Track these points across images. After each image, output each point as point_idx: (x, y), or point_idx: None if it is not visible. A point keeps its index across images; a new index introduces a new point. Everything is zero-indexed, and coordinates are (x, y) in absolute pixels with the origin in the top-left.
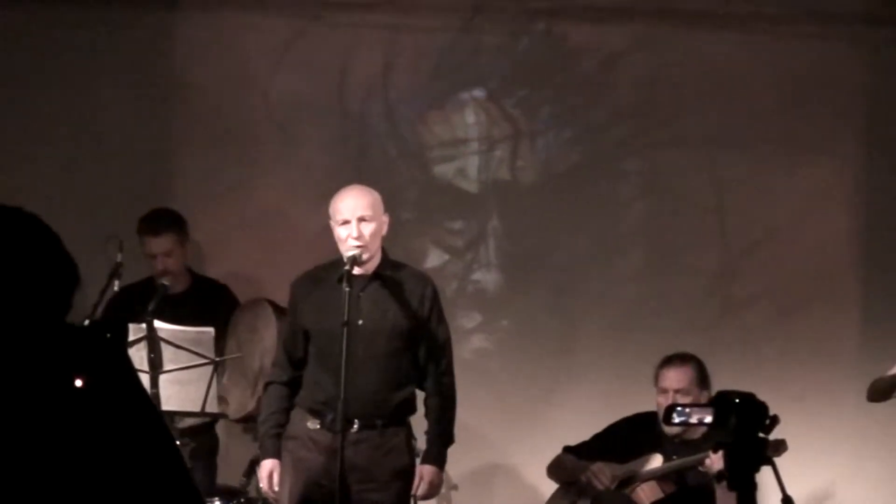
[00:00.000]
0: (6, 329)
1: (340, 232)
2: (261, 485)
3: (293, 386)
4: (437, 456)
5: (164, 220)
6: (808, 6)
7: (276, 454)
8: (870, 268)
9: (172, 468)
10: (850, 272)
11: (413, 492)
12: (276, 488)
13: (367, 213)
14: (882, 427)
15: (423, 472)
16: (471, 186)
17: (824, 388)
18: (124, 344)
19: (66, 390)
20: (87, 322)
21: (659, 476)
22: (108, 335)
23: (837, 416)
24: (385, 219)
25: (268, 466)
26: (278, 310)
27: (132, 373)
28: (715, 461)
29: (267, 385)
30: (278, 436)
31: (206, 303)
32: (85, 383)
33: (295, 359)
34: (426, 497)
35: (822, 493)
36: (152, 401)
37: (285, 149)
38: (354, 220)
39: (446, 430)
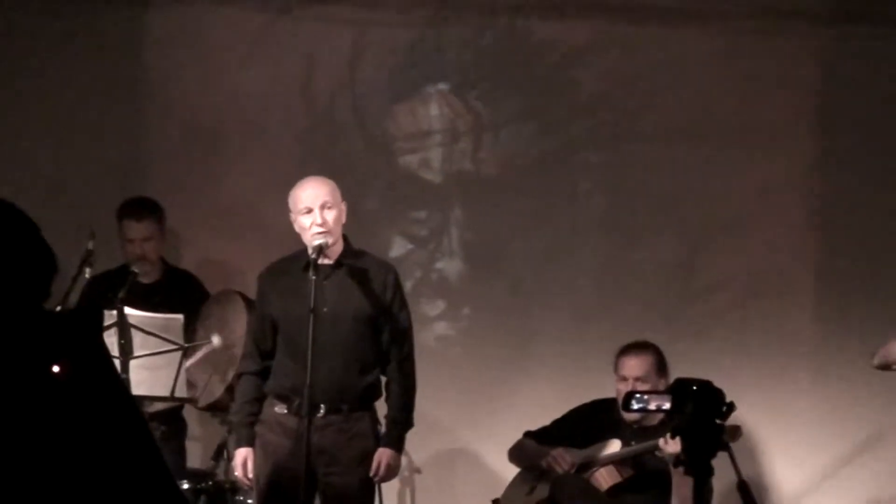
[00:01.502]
0: None
1: (304, 221)
2: (236, 472)
3: (264, 376)
4: (395, 440)
5: (147, 207)
6: (764, 5)
7: (250, 442)
8: (822, 258)
9: (147, 453)
10: (803, 263)
11: (371, 474)
12: (251, 475)
13: (328, 199)
14: (834, 412)
15: (382, 455)
16: (434, 177)
17: (779, 376)
18: (100, 331)
19: (43, 376)
20: (58, 309)
21: (617, 461)
22: (84, 322)
23: (791, 403)
24: (343, 206)
25: (242, 454)
26: (249, 302)
27: (108, 359)
28: (670, 445)
29: (239, 376)
30: (252, 424)
31: (177, 293)
32: (62, 369)
33: (264, 349)
34: (384, 480)
35: (777, 477)
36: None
37: (253, 140)
38: (317, 207)
39: (406, 415)
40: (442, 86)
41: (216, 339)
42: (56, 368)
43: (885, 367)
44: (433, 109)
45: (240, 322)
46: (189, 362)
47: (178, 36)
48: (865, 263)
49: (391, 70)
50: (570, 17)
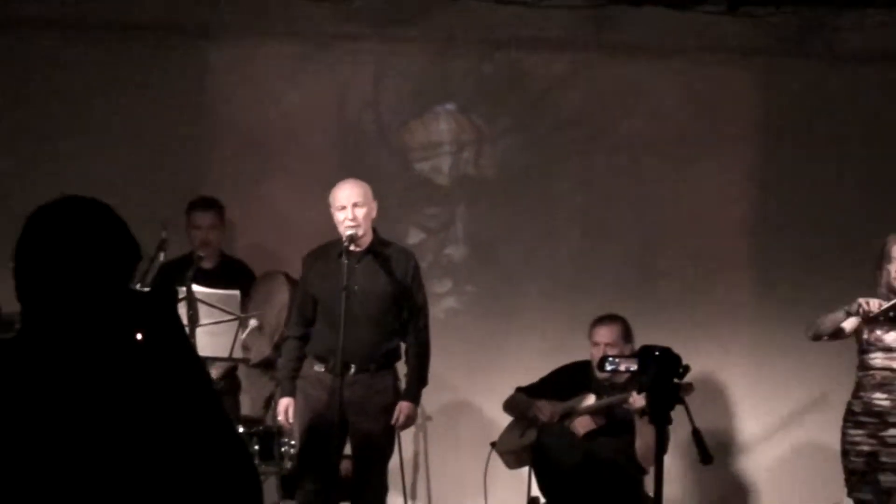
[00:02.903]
0: (88, 294)
1: (339, 216)
2: (278, 417)
3: (305, 339)
4: (413, 394)
5: (212, 202)
6: (714, 42)
7: (291, 393)
8: (758, 249)
9: (210, 402)
10: (742, 252)
11: (392, 422)
12: (291, 420)
13: (359, 199)
14: (767, 372)
15: (402, 407)
16: (443, 180)
17: (724, 343)
18: (174, 305)
19: (129, 341)
20: (137, 286)
21: (592, 411)
22: (161, 299)
23: (732, 365)
24: (374, 205)
25: (284, 403)
26: (290, 280)
27: (180, 327)
28: (637, 400)
29: (285, 339)
30: (293, 378)
31: (231, 277)
32: (144, 337)
33: (306, 318)
34: (403, 427)
35: (723, 424)
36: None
37: (296, 150)
38: (350, 205)
39: (421, 374)
40: (449, 106)
41: (253, 322)
42: (139, 335)
43: (817, 338)
44: (442, 125)
45: (283, 294)
46: (243, 335)
47: (234, 66)
48: (794, 254)
49: (408, 93)
50: (553, 51)
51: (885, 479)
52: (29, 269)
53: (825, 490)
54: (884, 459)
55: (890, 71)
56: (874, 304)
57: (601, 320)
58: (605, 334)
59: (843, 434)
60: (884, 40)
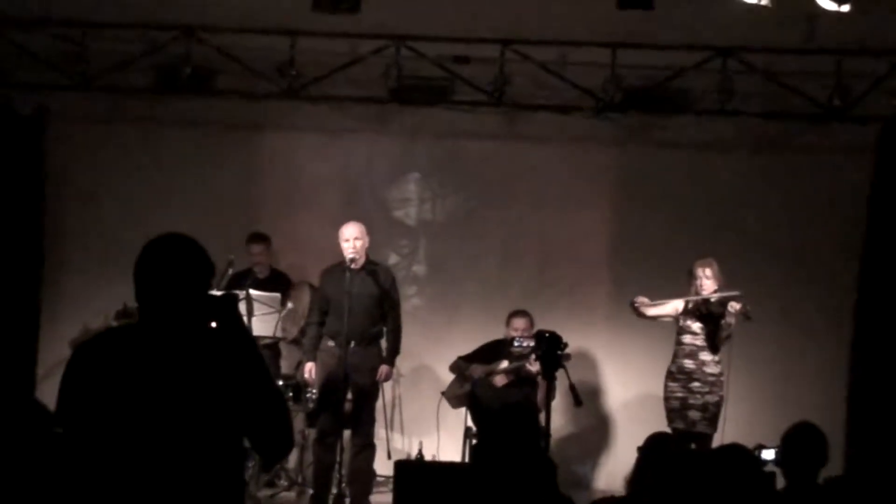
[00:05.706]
0: (180, 297)
1: (344, 245)
2: (305, 375)
3: (322, 324)
4: (391, 360)
5: (261, 236)
6: (585, 133)
7: (313, 360)
8: (613, 268)
9: (261, 367)
10: (603, 269)
11: (378, 378)
12: (313, 377)
13: (358, 235)
14: (618, 346)
15: (383, 368)
16: (411, 222)
17: (589, 327)
18: (237, 304)
19: (205, 328)
20: (213, 291)
21: (506, 371)
22: (228, 300)
23: (596, 343)
24: (367, 238)
25: (308, 366)
26: (312, 287)
27: (240, 318)
28: (535, 366)
29: (308, 325)
30: (314, 350)
31: (277, 283)
32: (217, 325)
33: (322, 311)
34: (385, 381)
35: (590, 380)
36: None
37: (317, 202)
38: (352, 239)
39: (396, 347)
40: (416, 174)
41: (289, 304)
42: (213, 324)
43: (639, 315)
44: (411, 187)
45: (306, 298)
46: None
47: (277, 149)
48: (638, 272)
49: (389, 166)
50: (481, 140)
51: (692, 414)
52: (144, 280)
53: (654, 422)
54: (691, 402)
55: (703, 154)
56: (645, 300)
57: (518, 314)
58: (520, 324)
59: (665, 386)
60: (699, 135)
